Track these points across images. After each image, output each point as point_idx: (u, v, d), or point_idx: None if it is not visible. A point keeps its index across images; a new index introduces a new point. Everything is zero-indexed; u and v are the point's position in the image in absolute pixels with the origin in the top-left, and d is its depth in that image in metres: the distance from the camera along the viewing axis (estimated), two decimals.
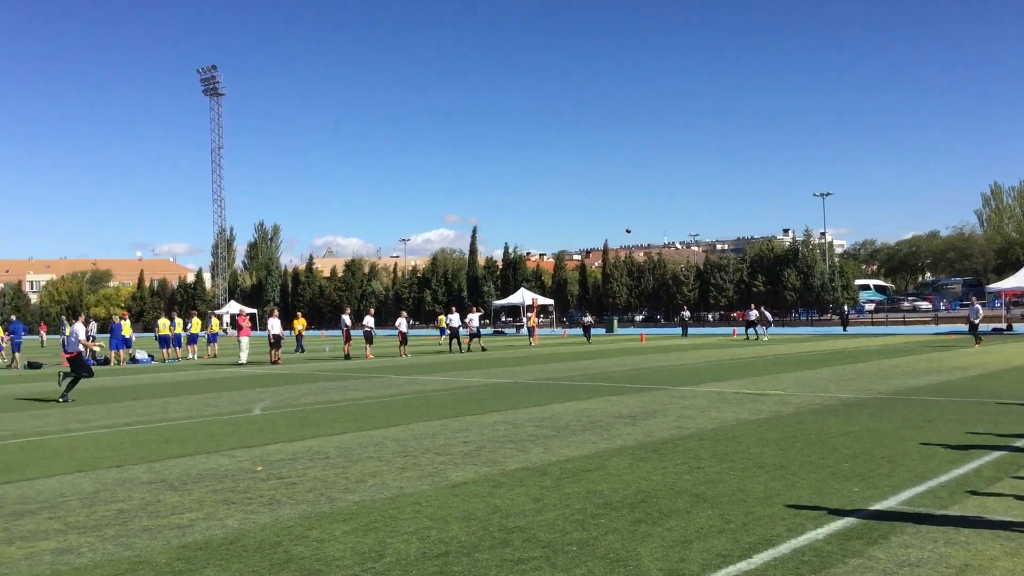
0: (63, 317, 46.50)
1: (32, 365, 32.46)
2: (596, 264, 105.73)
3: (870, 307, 79.76)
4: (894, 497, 7.35)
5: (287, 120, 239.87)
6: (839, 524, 6.51)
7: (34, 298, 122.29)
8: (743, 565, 5.58)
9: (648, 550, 5.98)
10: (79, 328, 18.49)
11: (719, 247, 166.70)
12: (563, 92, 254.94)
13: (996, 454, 9.25)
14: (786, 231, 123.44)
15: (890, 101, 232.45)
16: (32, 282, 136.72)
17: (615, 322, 66.81)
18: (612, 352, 33.85)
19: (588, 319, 51.54)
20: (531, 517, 7.01)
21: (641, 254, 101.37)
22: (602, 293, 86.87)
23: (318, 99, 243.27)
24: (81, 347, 18.04)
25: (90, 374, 18.49)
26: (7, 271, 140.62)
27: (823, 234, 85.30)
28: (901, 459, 9.06)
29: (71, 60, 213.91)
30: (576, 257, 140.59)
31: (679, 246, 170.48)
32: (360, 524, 6.92)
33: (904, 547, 5.88)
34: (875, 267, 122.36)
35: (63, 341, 18.93)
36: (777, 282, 76.06)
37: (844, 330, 53.38)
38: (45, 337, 59.84)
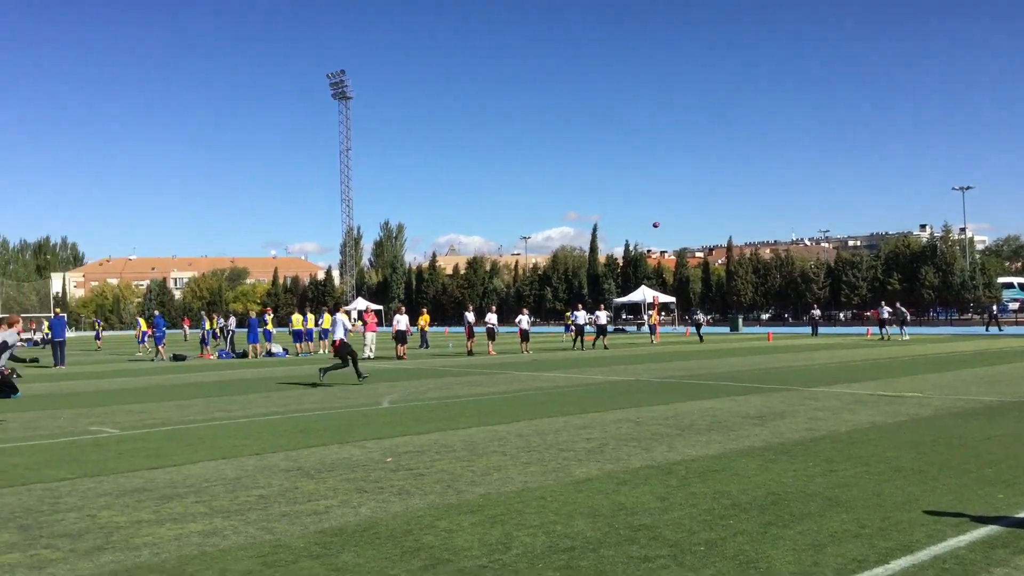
0: (202, 312, 48.92)
1: (177, 357, 34.30)
2: (720, 261, 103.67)
3: (1014, 306, 75.26)
4: None
5: (411, 121, 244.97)
6: (982, 532, 6.21)
7: (177, 294, 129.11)
8: (880, 571, 5.41)
9: (779, 553, 5.86)
10: (342, 318, 20.95)
11: (851, 243, 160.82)
12: (686, 88, 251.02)
13: None
14: (923, 227, 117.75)
15: None
16: (176, 279, 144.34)
17: (740, 320, 65.37)
18: (738, 351, 33.16)
19: (700, 317, 49.52)
20: (657, 516, 6.97)
21: (767, 251, 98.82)
22: (726, 291, 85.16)
23: (441, 100, 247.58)
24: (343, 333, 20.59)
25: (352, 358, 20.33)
26: (153, 268, 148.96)
27: (963, 230, 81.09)
28: None
29: (210, 69, 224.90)
30: (698, 254, 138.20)
31: (808, 243, 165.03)
32: (486, 516, 7.05)
33: None
34: (1019, 264, 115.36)
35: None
36: (914, 280, 72.81)
37: (987, 330, 50.42)
38: (188, 331, 63.10)
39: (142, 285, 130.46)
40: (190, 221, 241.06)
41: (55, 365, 29.96)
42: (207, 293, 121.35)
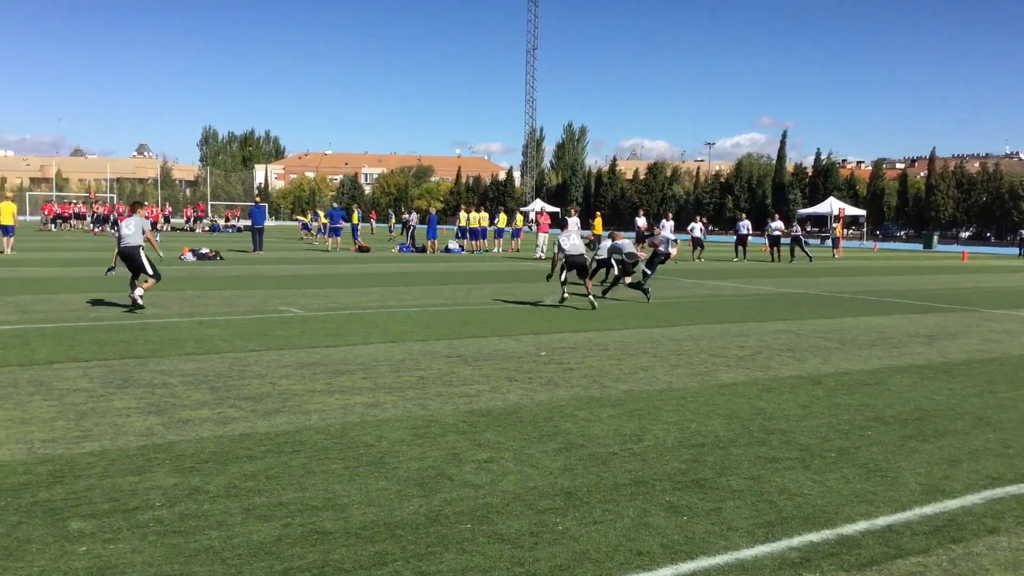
0: (389, 209, 51.10)
1: (362, 249, 36.25)
2: (921, 174, 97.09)
3: None
4: None
5: (600, 20, 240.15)
6: None
7: (367, 189, 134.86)
8: (1012, 489, 5.34)
9: (911, 464, 5.86)
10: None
11: None
12: None
13: None
14: None
15: None
16: (366, 174, 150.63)
17: (935, 238, 61.43)
18: (926, 269, 31.46)
19: (796, 230, 36.37)
20: (795, 422, 7.05)
21: (975, 164, 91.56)
22: (924, 206, 79.95)
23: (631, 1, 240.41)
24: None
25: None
26: (346, 164, 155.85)
27: None
28: None
29: None
30: (899, 166, 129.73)
31: (1023, 156, 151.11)
32: (625, 410, 7.36)
33: None
34: None
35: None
36: None
37: None
38: (374, 225, 66.19)
39: (336, 179, 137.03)
40: (381, 119, 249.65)
41: (253, 250, 32.44)
42: (394, 189, 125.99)
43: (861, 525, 4.70)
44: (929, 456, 6.07)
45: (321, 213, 45.87)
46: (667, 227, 34.31)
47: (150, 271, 13.78)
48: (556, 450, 6.09)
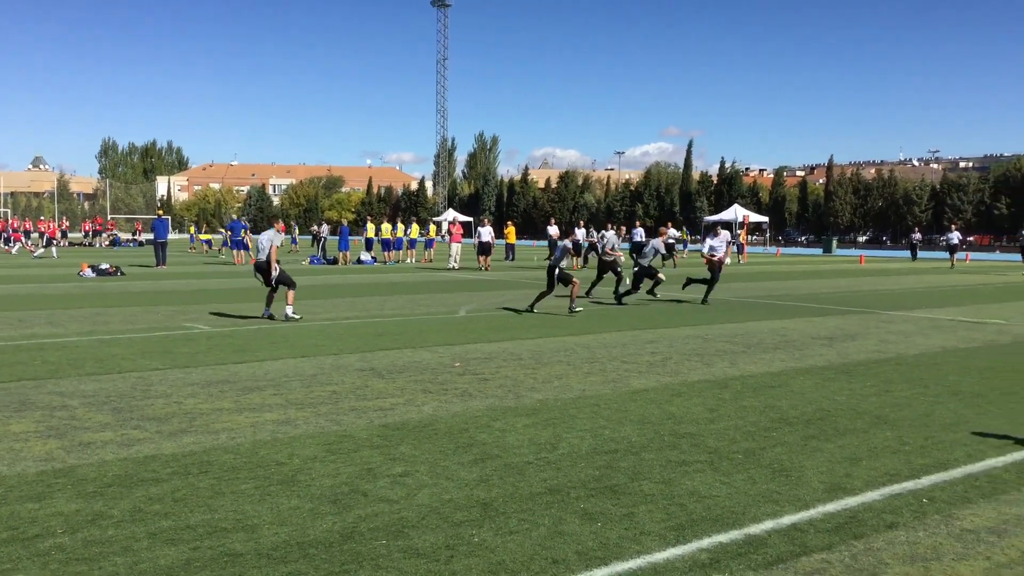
0: (292, 222, 50.12)
1: None
2: (820, 181, 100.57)
3: None
4: None
5: (511, 31, 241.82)
6: None
7: (276, 200, 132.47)
8: (909, 484, 5.57)
9: (814, 463, 6.07)
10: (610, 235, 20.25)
11: (962, 165, 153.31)
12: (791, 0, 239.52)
13: None
14: None
15: None
16: (274, 185, 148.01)
17: (834, 242, 63.71)
18: (825, 273, 32.59)
19: (673, 234, 36.99)
20: (703, 425, 7.22)
21: (871, 171, 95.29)
22: (823, 212, 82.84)
23: (540, 10, 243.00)
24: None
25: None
26: (253, 174, 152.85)
27: None
28: None
29: None
30: (799, 173, 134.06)
31: (916, 163, 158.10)
32: (540, 419, 7.41)
33: None
34: None
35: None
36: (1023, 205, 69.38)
37: None
38: (285, 238, 65.12)
39: (242, 191, 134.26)
40: (290, 129, 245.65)
41: (157, 265, 31.53)
42: (304, 200, 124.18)
43: (767, 524, 4.84)
44: (831, 455, 6.29)
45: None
46: (579, 235, 34.68)
47: (289, 280, 14.61)
48: (471, 461, 6.10)
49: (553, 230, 35.77)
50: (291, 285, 14.66)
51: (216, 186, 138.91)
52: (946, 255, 42.30)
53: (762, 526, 4.82)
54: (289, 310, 14.44)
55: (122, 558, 4.31)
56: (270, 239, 14.64)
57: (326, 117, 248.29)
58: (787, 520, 4.91)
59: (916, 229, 57.76)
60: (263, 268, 14.62)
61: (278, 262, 14.57)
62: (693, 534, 4.70)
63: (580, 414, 7.62)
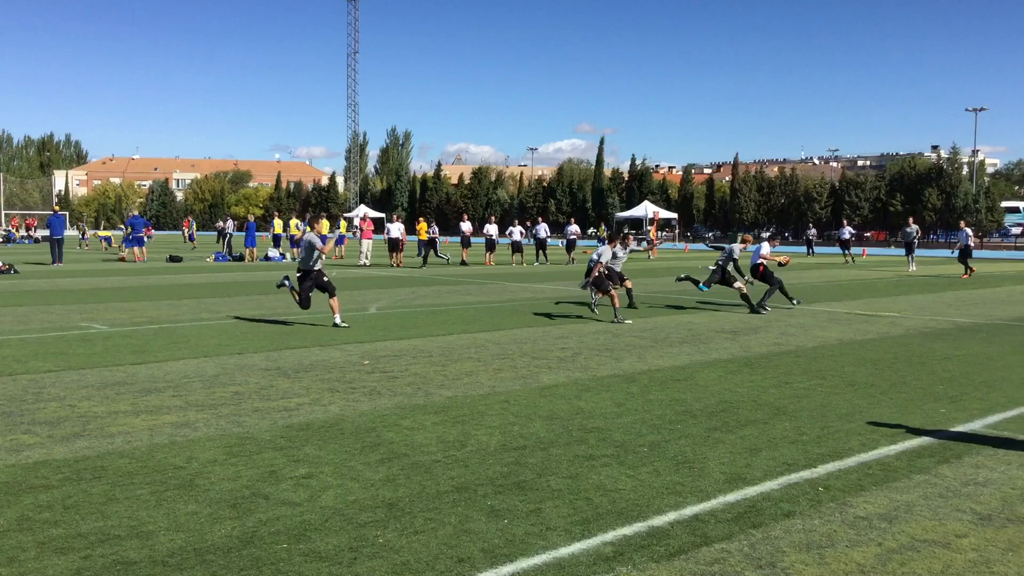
0: (189, 217, 48.50)
1: (173, 259, 34.59)
2: (726, 179, 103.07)
3: (1017, 230, 75.06)
4: (980, 420, 7.27)
5: (424, 25, 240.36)
6: (914, 442, 6.53)
7: (179, 195, 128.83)
8: (806, 473, 5.74)
9: (716, 455, 6.19)
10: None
11: (860, 163, 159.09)
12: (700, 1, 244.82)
13: None
14: (934, 148, 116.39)
15: None
16: (178, 180, 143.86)
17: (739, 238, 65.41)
18: None
19: (573, 229, 36.70)
20: (611, 420, 7.30)
21: (775, 169, 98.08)
22: (729, 208, 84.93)
23: (454, 5, 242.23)
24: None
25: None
26: (156, 169, 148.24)
27: (975, 152, 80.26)
28: (1000, 384, 8.86)
29: None
30: (706, 171, 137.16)
31: (817, 161, 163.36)
32: (449, 417, 7.38)
33: (975, 467, 5.88)
34: None
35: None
36: (916, 202, 72.45)
37: None
38: (188, 233, 63.24)
39: (144, 185, 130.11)
40: (194, 122, 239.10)
41: (53, 262, 30.27)
42: (209, 195, 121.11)
43: (670, 516, 4.91)
44: (732, 446, 6.43)
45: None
46: (491, 230, 34.67)
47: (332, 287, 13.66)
48: (378, 461, 6.02)
49: (466, 226, 35.66)
50: (332, 292, 13.60)
51: (117, 181, 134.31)
52: (839, 250, 43.27)
53: (665, 518, 4.89)
54: (338, 318, 13.47)
55: (7, 569, 4.11)
56: (309, 241, 13.68)
57: (233, 110, 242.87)
58: (689, 511, 5.00)
59: (811, 225, 59.71)
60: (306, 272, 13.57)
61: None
62: (598, 528, 4.73)
63: (489, 411, 7.61)
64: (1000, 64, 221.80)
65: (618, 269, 16.13)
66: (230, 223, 41.24)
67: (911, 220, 35.74)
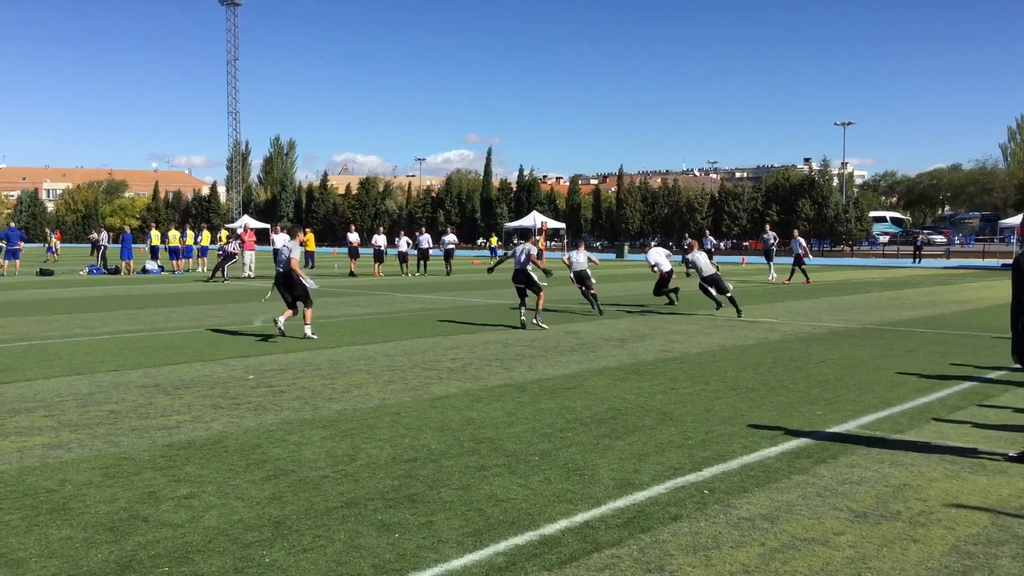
0: (47, 229, 45.85)
1: (44, 272, 32.91)
2: (612, 189, 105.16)
3: (884, 239, 79.23)
4: (854, 421, 7.61)
5: (308, 34, 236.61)
6: (793, 444, 6.78)
7: (50, 206, 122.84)
8: (692, 477, 5.87)
9: (606, 461, 6.27)
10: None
11: (738, 175, 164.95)
12: (586, 12, 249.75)
13: (967, 384, 9.47)
14: (807, 160, 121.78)
15: (920, 28, 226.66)
16: (48, 190, 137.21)
17: (626, 248, 66.81)
18: (618, 277, 34.06)
19: (450, 238, 36.23)
20: (502, 429, 7.31)
21: (658, 180, 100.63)
22: (615, 218, 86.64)
23: (338, 12, 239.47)
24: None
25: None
26: (24, 178, 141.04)
27: (844, 164, 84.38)
28: (871, 386, 9.30)
29: None
30: (593, 182, 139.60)
31: (697, 173, 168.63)
32: (338, 431, 7.24)
33: (850, 467, 6.15)
34: (895, 199, 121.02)
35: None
36: (791, 212, 75.57)
37: (915, 262, 52.39)
38: (59, 245, 60.29)
39: (12, 196, 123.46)
40: (65, 130, 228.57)
41: None
42: (82, 206, 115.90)
43: (561, 524, 4.95)
44: (621, 452, 6.53)
45: None
46: (379, 241, 34.23)
47: (308, 297, 13.59)
48: (264, 478, 5.86)
49: (354, 236, 35.22)
50: (309, 303, 13.57)
51: None
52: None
53: (556, 525, 4.92)
54: (308, 329, 13.43)
55: None
56: (289, 248, 13.53)
57: (107, 117, 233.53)
58: (580, 518, 5.04)
59: (687, 235, 61.32)
60: (285, 282, 13.50)
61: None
62: (490, 538, 4.72)
63: (380, 423, 7.52)
64: (866, 80, 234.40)
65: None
66: (104, 234, 39.55)
67: (767, 227, 35.44)
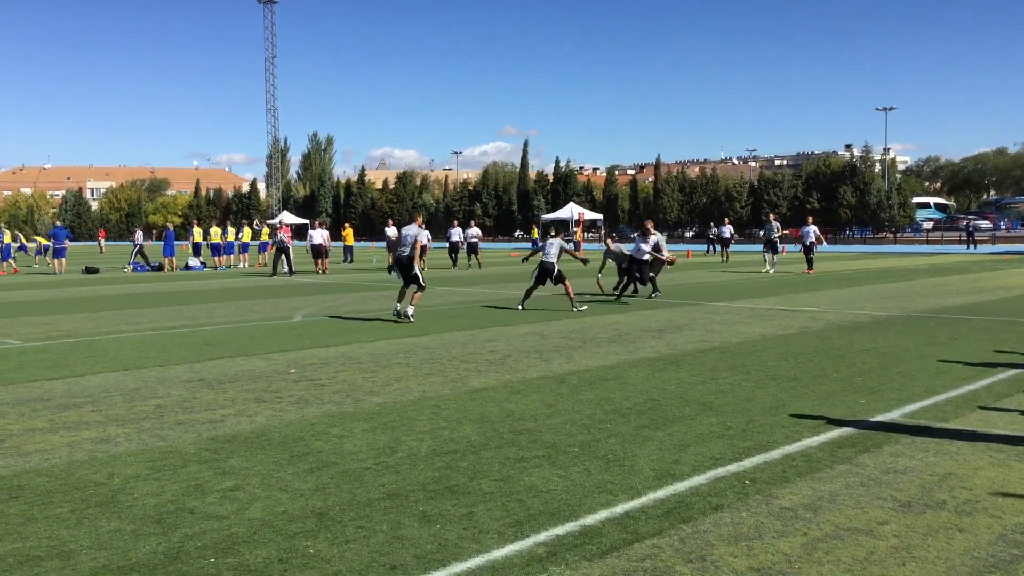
0: (15, 230, 45.77)
1: (90, 270, 33.56)
2: (649, 179, 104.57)
3: (928, 225, 77.90)
4: (898, 410, 7.51)
5: (345, 30, 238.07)
6: (836, 433, 6.72)
7: (94, 205, 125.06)
8: (733, 467, 5.84)
9: (645, 452, 6.26)
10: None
11: (777, 163, 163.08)
12: (622, 1, 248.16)
13: (1013, 372, 9.31)
14: (848, 147, 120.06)
15: (961, 10, 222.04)
16: (92, 189, 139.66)
17: (663, 237, 66.39)
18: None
19: (454, 232, 35.89)
20: (541, 421, 7.32)
21: (696, 169, 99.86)
22: (653, 208, 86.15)
23: (373, 8, 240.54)
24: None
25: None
26: (68, 178, 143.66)
27: (886, 150, 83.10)
28: (916, 374, 9.17)
29: None
30: (630, 172, 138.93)
31: (736, 161, 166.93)
32: (379, 423, 7.31)
33: (894, 456, 6.07)
34: (938, 185, 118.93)
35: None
36: (832, 199, 74.61)
37: (968, 248, 50.27)
38: (104, 244, 61.44)
39: (57, 195, 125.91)
40: (108, 130, 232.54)
41: None
42: (125, 204, 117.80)
43: (602, 514, 4.95)
44: (661, 443, 6.52)
45: (6, 233, 39.68)
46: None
47: (420, 281, 14.38)
48: (307, 471, 5.93)
49: (391, 231, 35.37)
50: (421, 287, 14.60)
51: (28, 191, 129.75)
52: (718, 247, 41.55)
53: (597, 516, 4.92)
54: (410, 310, 14.54)
55: None
56: (415, 235, 14.62)
57: (148, 117, 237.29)
58: (620, 509, 5.04)
59: (721, 223, 60.57)
60: (404, 263, 14.64)
61: (422, 259, 14.78)
62: (531, 529, 4.74)
63: (419, 416, 7.57)
64: (908, 65, 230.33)
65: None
66: (138, 234, 39.67)
67: (772, 216, 32.90)
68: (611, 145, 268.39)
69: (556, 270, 16.46)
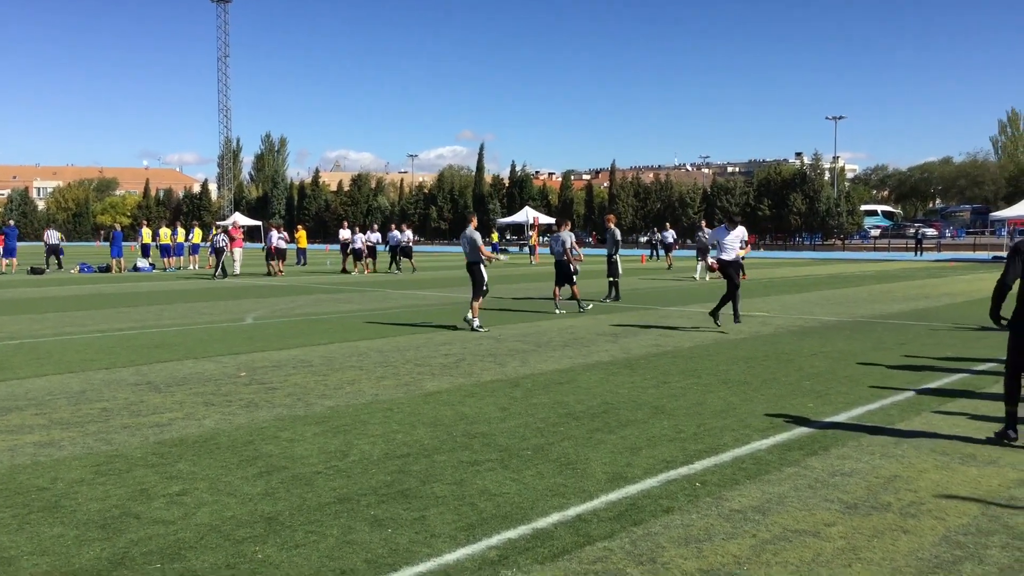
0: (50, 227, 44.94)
1: (35, 271, 32.79)
2: (604, 185, 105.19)
3: (875, 232, 79.44)
4: (845, 413, 7.64)
5: (300, 30, 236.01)
6: (785, 436, 6.81)
7: (41, 204, 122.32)
8: (684, 470, 5.89)
9: (598, 455, 6.29)
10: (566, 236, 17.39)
11: (730, 169, 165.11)
12: (578, 9, 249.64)
13: (958, 376, 9.52)
14: (798, 155, 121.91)
15: (911, 22, 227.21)
16: (39, 188, 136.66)
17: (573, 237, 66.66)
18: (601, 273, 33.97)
19: (393, 235, 34.49)
20: (495, 424, 7.31)
21: (650, 175, 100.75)
22: (608, 213, 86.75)
23: (330, 8, 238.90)
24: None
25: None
26: (14, 177, 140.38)
27: (835, 158, 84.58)
28: (863, 378, 9.33)
29: None
30: (585, 177, 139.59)
31: (689, 168, 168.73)
32: (331, 427, 7.24)
33: (841, 458, 6.17)
34: (886, 193, 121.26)
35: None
36: (783, 206, 75.70)
37: (916, 255, 51.87)
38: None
39: (3, 194, 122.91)
40: (56, 128, 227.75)
41: None
42: (73, 204, 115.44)
43: (554, 517, 4.96)
44: (614, 446, 6.54)
45: None
46: (373, 238, 34.21)
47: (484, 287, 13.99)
48: (256, 475, 5.85)
49: (345, 233, 35.10)
50: (476, 295, 13.99)
51: None
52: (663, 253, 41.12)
53: (549, 519, 4.93)
54: (476, 321, 13.90)
55: None
56: (470, 237, 14.12)
57: (98, 115, 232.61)
58: (572, 512, 5.05)
59: (663, 228, 61.05)
60: (471, 268, 14.10)
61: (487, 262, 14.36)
62: (483, 532, 4.73)
63: (372, 419, 7.51)
64: (858, 74, 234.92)
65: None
66: (49, 234, 37.31)
67: (703, 224, 32.12)
68: (567, 150, 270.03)
69: (569, 268, 16.87)
